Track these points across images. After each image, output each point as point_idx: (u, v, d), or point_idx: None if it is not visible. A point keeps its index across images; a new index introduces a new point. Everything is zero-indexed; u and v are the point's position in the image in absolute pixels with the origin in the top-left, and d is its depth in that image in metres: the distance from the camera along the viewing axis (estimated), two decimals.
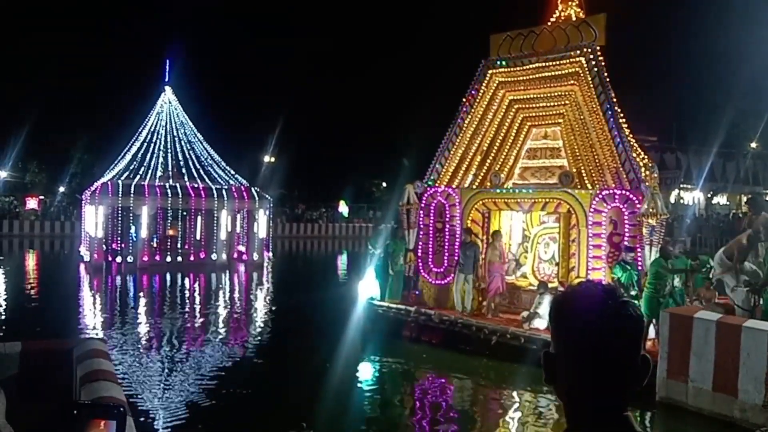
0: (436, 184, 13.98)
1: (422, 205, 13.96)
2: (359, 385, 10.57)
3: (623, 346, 1.28)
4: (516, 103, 13.77)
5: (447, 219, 13.56)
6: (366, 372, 11.43)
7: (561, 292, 1.39)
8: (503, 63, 13.64)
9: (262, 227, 27.35)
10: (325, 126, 52.41)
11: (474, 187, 13.75)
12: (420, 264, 13.90)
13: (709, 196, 45.62)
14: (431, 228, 13.85)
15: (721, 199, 47.17)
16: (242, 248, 27.26)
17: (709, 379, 8.70)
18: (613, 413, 1.27)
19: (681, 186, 43.64)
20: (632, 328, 1.29)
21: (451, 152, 14.10)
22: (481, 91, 13.89)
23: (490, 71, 13.80)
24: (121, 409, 1.31)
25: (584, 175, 12.50)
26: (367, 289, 13.86)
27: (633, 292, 10.28)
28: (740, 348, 8.37)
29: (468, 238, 13.01)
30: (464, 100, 14.10)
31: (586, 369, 1.27)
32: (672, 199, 41.25)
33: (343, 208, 48.94)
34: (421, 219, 13.99)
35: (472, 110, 13.95)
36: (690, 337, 8.90)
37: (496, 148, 13.94)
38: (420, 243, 13.98)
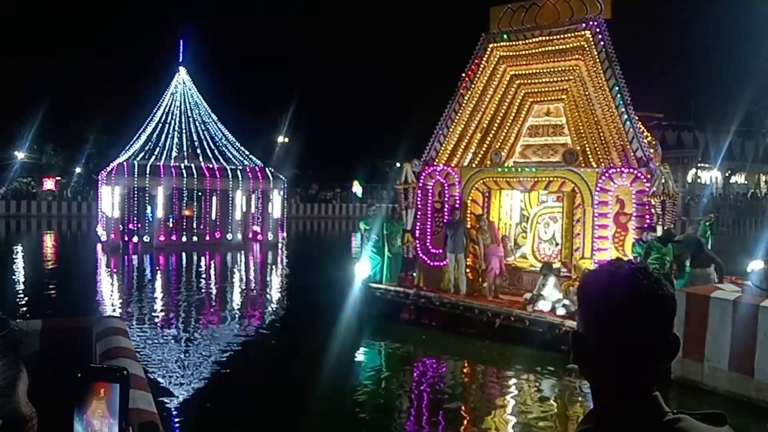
0: (435, 163, 13.54)
1: (420, 184, 13.54)
2: (358, 368, 10.49)
3: (656, 326, 1.26)
4: (517, 78, 13.25)
5: (446, 199, 13.17)
6: (365, 355, 11.31)
7: (590, 272, 1.35)
8: (504, 37, 13.08)
9: (276, 207, 27.46)
10: (339, 106, 52.29)
11: (474, 165, 13.33)
12: (418, 245, 13.55)
13: (727, 175, 45.03)
14: (429, 208, 13.50)
15: (739, 178, 46.54)
16: (257, 228, 27.40)
17: (726, 359, 8.66)
18: (642, 393, 1.26)
19: (698, 165, 43.07)
20: (666, 307, 1.27)
21: (450, 129, 13.56)
22: (482, 65, 13.31)
23: (490, 45, 13.23)
24: (124, 372, 1.30)
25: (589, 153, 12.13)
26: (364, 270, 13.55)
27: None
28: (757, 327, 8.32)
29: (455, 217, 12.70)
30: (464, 75, 13.52)
31: (618, 349, 1.25)
32: (689, 178, 40.75)
33: (357, 188, 48.93)
34: (419, 199, 13.61)
35: (472, 86, 13.37)
36: (706, 317, 8.85)
37: (496, 125, 13.44)
38: (418, 223, 13.60)
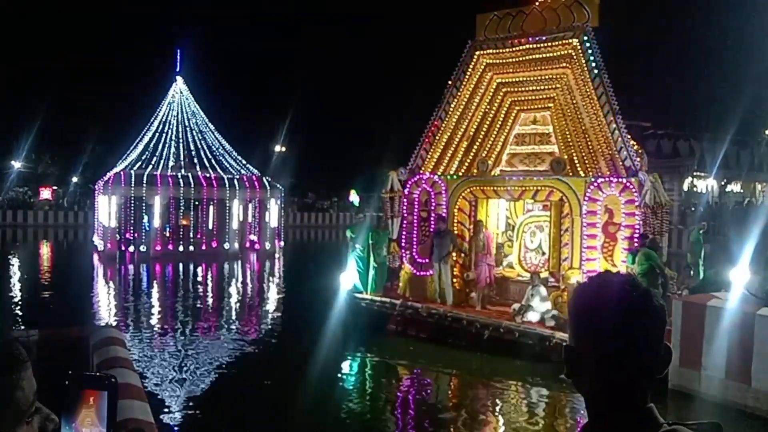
0: (421, 171, 13.34)
1: (406, 193, 13.37)
2: (345, 381, 10.39)
3: (647, 337, 1.26)
4: (504, 86, 13.02)
5: (432, 208, 12.97)
6: (352, 367, 11.16)
7: (580, 284, 1.37)
8: (490, 43, 12.87)
9: (273, 216, 27.45)
10: (335, 115, 52.41)
11: (460, 174, 13.15)
12: (403, 254, 13.32)
13: (722, 183, 45.18)
14: (415, 217, 13.29)
15: (735, 187, 46.71)
16: (254, 237, 27.36)
17: (722, 367, 8.65)
18: (637, 404, 1.26)
19: (694, 174, 43.22)
20: (656, 318, 1.27)
21: (437, 138, 13.39)
22: (468, 73, 13.11)
23: (477, 53, 13.03)
24: (113, 379, 1.31)
25: (576, 162, 11.96)
26: (349, 281, 13.32)
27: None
28: (754, 336, 8.33)
29: (442, 225, 12.55)
30: (450, 82, 13.33)
31: (610, 362, 1.25)
32: (685, 187, 40.89)
33: (354, 197, 48.94)
34: (404, 208, 13.40)
35: (459, 93, 13.21)
36: (703, 325, 8.86)
37: (483, 133, 13.22)
38: (404, 233, 13.38)
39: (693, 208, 33.72)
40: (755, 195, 44.26)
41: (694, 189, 43.31)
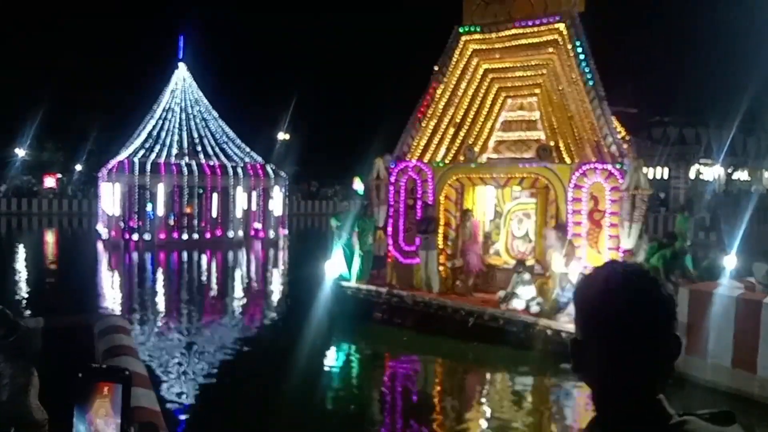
0: (407, 158, 13.16)
1: (392, 180, 13.19)
2: (331, 370, 10.31)
3: (654, 328, 1.22)
4: (491, 72, 12.86)
5: (419, 195, 12.83)
6: (338, 356, 11.07)
7: (584, 276, 1.31)
8: (477, 29, 12.67)
9: (277, 204, 27.45)
10: (339, 102, 52.27)
11: (447, 161, 13.00)
12: (390, 242, 13.20)
13: (729, 171, 45.04)
14: (402, 205, 13.14)
15: (741, 175, 46.55)
16: (258, 225, 27.38)
17: (728, 355, 8.62)
18: (645, 397, 1.23)
19: (701, 161, 43.06)
20: (663, 308, 1.24)
21: (423, 124, 13.16)
22: (454, 59, 12.88)
23: (463, 38, 12.78)
24: (126, 372, 1.28)
25: (562, 148, 11.82)
26: (334, 269, 13.22)
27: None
28: (760, 324, 8.28)
29: (428, 212, 12.46)
30: (435, 69, 13.07)
31: (617, 354, 1.21)
32: (692, 175, 40.76)
33: (358, 185, 48.93)
34: (391, 195, 13.28)
35: (445, 80, 12.98)
36: (709, 313, 8.83)
37: (469, 120, 13.03)
38: (390, 220, 13.25)
39: (697, 195, 33.62)
40: (762, 182, 44.09)
41: (701, 176, 43.18)
